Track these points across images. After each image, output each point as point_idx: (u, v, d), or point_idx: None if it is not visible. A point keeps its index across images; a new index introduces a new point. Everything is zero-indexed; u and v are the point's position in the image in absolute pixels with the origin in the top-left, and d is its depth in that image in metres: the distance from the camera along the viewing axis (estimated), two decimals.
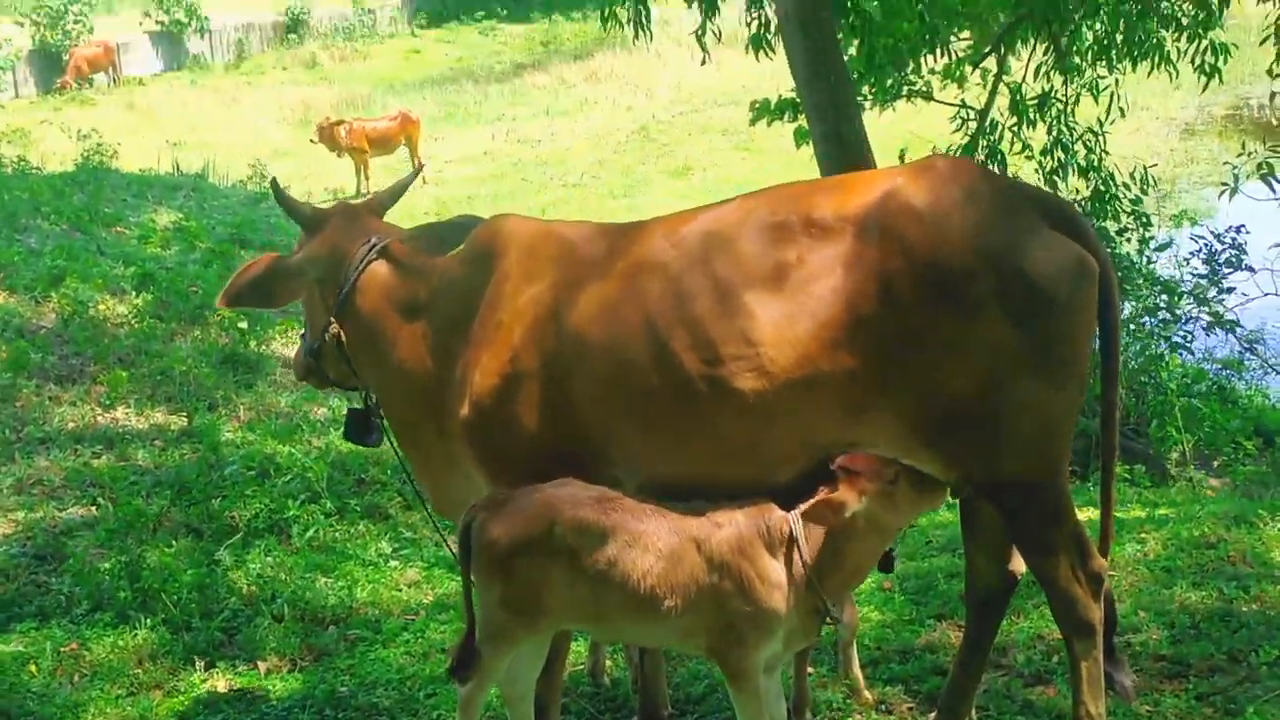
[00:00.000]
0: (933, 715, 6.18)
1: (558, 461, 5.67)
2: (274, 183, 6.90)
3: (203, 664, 7.62)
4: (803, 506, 5.28)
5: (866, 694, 6.58)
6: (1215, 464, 11.32)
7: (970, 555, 5.98)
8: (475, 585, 5.62)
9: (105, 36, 46.52)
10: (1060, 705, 6.26)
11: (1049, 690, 6.54)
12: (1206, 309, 12.64)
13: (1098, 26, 14.03)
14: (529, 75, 48.25)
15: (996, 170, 13.80)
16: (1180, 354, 12.29)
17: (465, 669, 5.66)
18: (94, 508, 9.83)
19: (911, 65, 15.26)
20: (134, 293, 14.79)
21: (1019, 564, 5.89)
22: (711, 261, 5.44)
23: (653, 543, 5.28)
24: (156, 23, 49.42)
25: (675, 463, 5.53)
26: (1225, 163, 14.22)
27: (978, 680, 6.12)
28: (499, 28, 56.75)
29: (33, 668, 7.58)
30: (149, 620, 7.99)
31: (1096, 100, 14.38)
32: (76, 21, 46.48)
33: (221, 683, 7.42)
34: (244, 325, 13.89)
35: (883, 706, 6.53)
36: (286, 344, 14.29)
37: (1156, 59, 14.10)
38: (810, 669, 6.72)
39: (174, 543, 9.03)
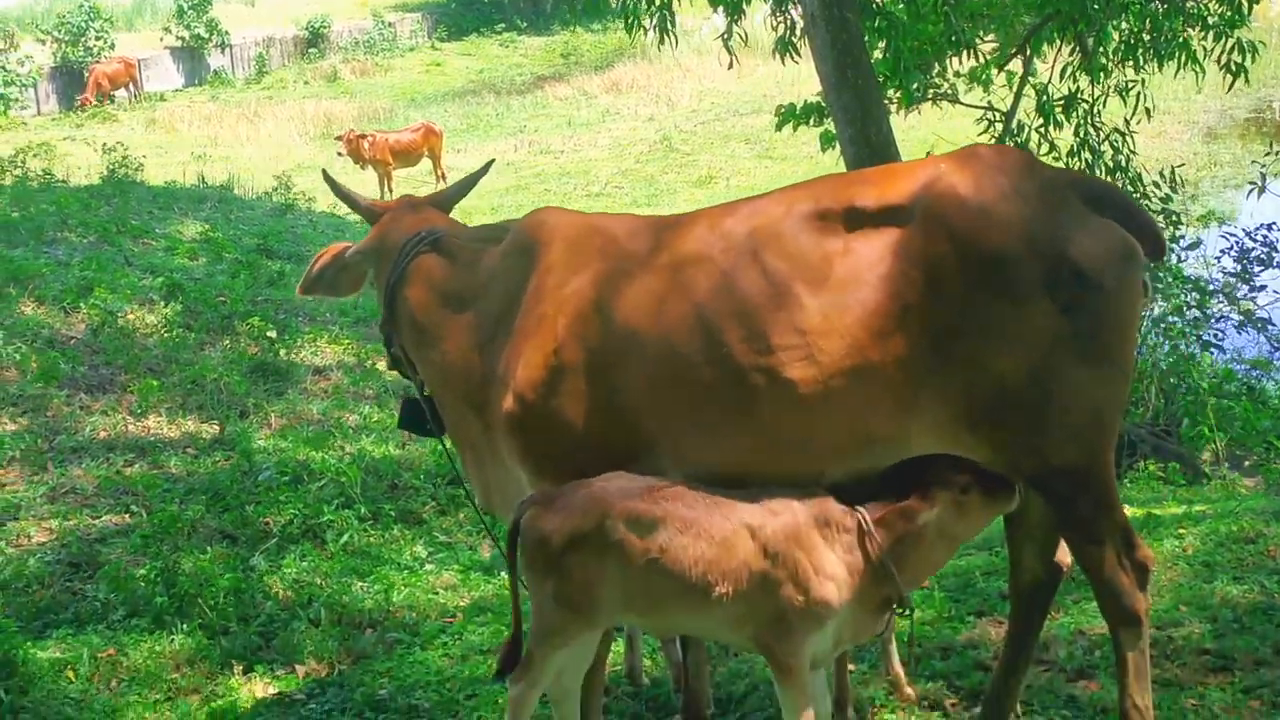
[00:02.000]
0: (977, 711, 6.14)
1: (601, 455, 5.64)
2: (327, 175, 6.91)
3: (240, 668, 7.61)
4: (876, 509, 5.28)
5: (909, 690, 6.53)
6: (1247, 464, 11.24)
7: (1015, 549, 5.93)
8: (525, 583, 5.60)
9: (126, 53, 46.75)
10: (1104, 699, 6.21)
11: (1092, 685, 6.48)
12: (1236, 308, 12.57)
13: (1124, 26, 13.98)
14: (550, 87, 48.30)
15: None
16: (1211, 352, 12.23)
17: (510, 667, 5.65)
18: (128, 515, 9.85)
19: (937, 68, 15.24)
20: (162, 302, 14.83)
21: (1064, 555, 5.85)
22: (758, 253, 5.42)
23: (705, 529, 5.25)
24: (177, 38, 49.69)
25: (723, 454, 5.51)
26: (1253, 161, 14.15)
27: (1023, 675, 6.07)
28: (519, 40, 56.91)
29: (70, 674, 7.58)
30: (185, 625, 7.99)
31: (1124, 101, 14.32)
32: (98, 38, 46.81)
33: (260, 687, 7.42)
34: (273, 334, 13.91)
35: (925, 703, 6.48)
36: (316, 353, 14.29)
37: (1183, 58, 14.02)
38: (851, 666, 6.70)
39: (209, 549, 9.01)
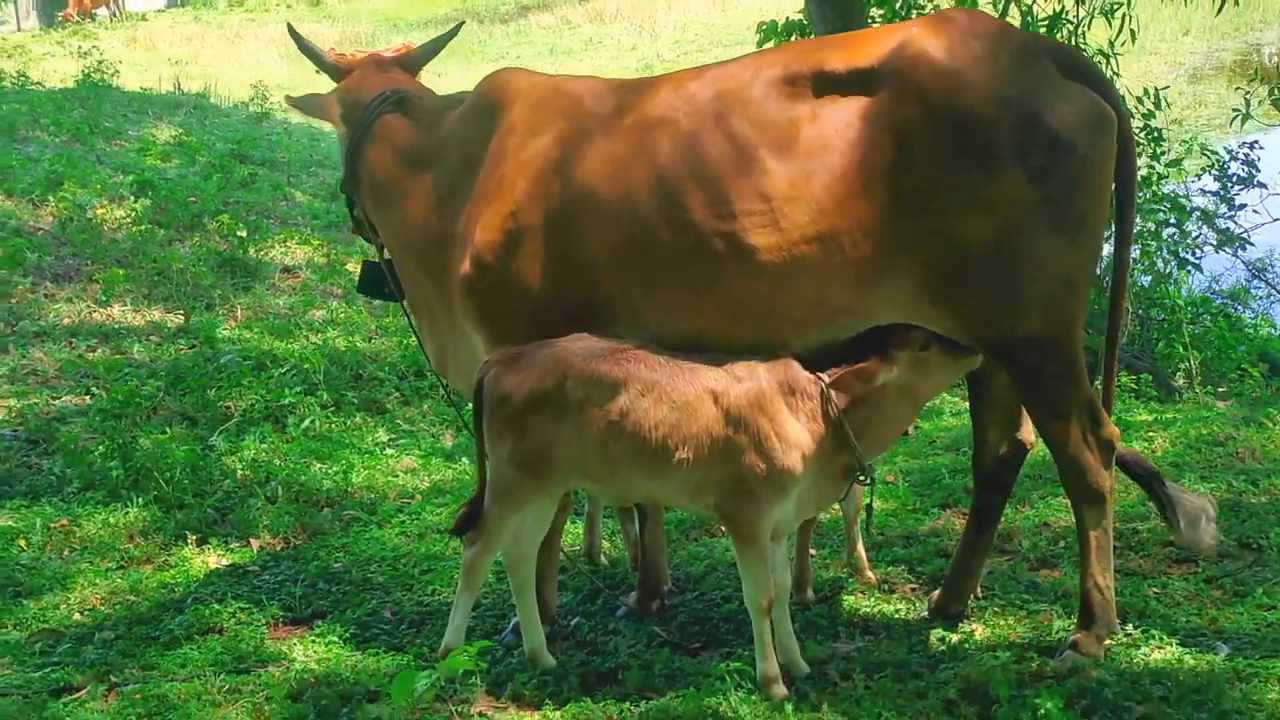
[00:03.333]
0: (936, 592, 6.08)
1: (560, 320, 5.56)
2: (291, 28, 6.77)
3: (194, 540, 7.50)
4: (834, 372, 5.19)
5: (869, 574, 6.48)
6: (1221, 390, 11.17)
7: (979, 425, 5.87)
8: (487, 442, 5.51)
9: None
10: (1066, 584, 6.18)
11: (1055, 573, 6.44)
12: (1214, 230, 12.47)
13: None
14: (533, 15, 47.84)
15: None
16: (1189, 271, 12.15)
17: (468, 527, 5.58)
18: (88, 396, 9.71)
19: None
20: (133, 198, 14.60)
21: (1028, 433, 5.79)
22: (724, 117, 5.32)
23: (667, 393, 5.17)
24: None
25: (682, 321, 5.43)
26: (1236, 88, 14.01)
27: (984, 557, 6.03)
28: None
29: (22, 542, 7.49)
30: (141, 499, 7.88)
31: (1110, 23, 14.15)
32: None
33: (213, 558, 7.32)
34: (243, 233, 13.70)
35: (885, 586, 6.44)
36: (286, 253, 14.12)
37: None
38: (812, 551, 6.63)
39: (168, 430, 8.88)
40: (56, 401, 9.68)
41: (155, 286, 12.36)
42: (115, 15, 44.99)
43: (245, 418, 9.24)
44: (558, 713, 5.27)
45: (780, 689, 5.18)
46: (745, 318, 5.32)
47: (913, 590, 6.37)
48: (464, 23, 7.36)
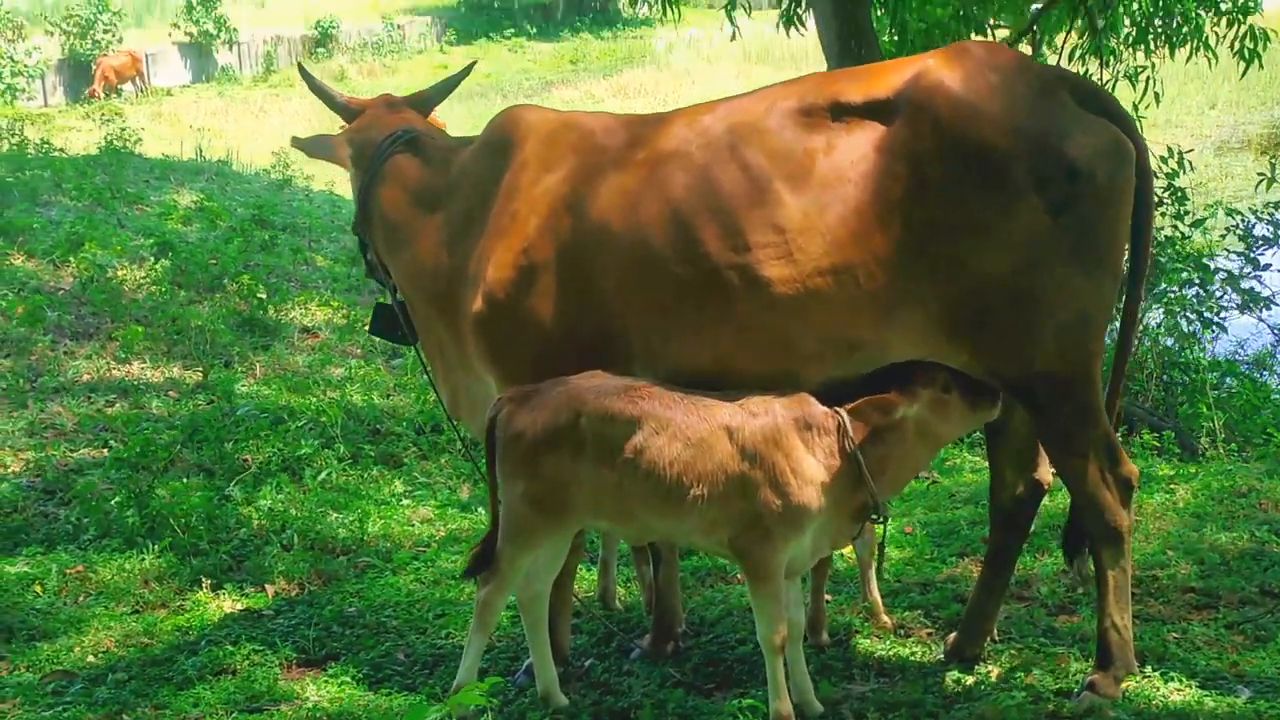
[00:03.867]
0: (952, 635, 6.02)
1: (574, 357, 5.53)
2: (302, 69, 6.81)
3: (209, 585, 7.46)
4: (851, 404, 5.16)
5: (885, 618, 6.42)
6: (1245, 453, 11.10)
7: (996, 465, 5.83)
8: (500, 481, 5.49)
9: (134, 47, 46.62)
10: (1083, 629, 6.11)
11: (1073, 618, 6.38)
12: (1239, 292, 12.41)
13: (1135, 9, 13.89)
14: (557, 90, 48.17)
15: None
16: (1213, 331, 12.11)
17: (481, 568, 5.54)
18: (105, 449, 9.70)
19: None
20: (153, 260, 14.71)
21: (1045, 472, 5.75)
22: (737, 149, 5.32)
23: (681, 430, 5.13)
24: (185, 34, 49.55)
25: (696, 357, 5.40)
26: (1264, 153, 14.02)
27: (1000, 599, 5.97)
28: (528, 45, 56.76)
29: (38, 588, 7.47)
30: (156, 546, 7.85)
31: (1134, 86, 14.21)
32: (106, 31, 46.56)
33: (228, 603, 7.28)
34: (263, 295, 13.77)
35: (901, 630, 6.38)
36: (306, 314, 14.18)
37: (1195, 44, 13.92)
38: (828, 596, 6.59)
39: (185, 480, 8.87)
40: (74, 454, 9.69)
41: (174, 344, 12.42)
42: (141, 90, 45.41)
43: (262, 469, 9.24)
44: None
45: None
46: (760, 351, 5.30)
47: (929, 634, 6.31)
48: (475, 62, 7.38)
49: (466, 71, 6.83)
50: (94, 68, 44.49)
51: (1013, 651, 5.95)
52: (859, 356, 5.27)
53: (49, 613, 7.18)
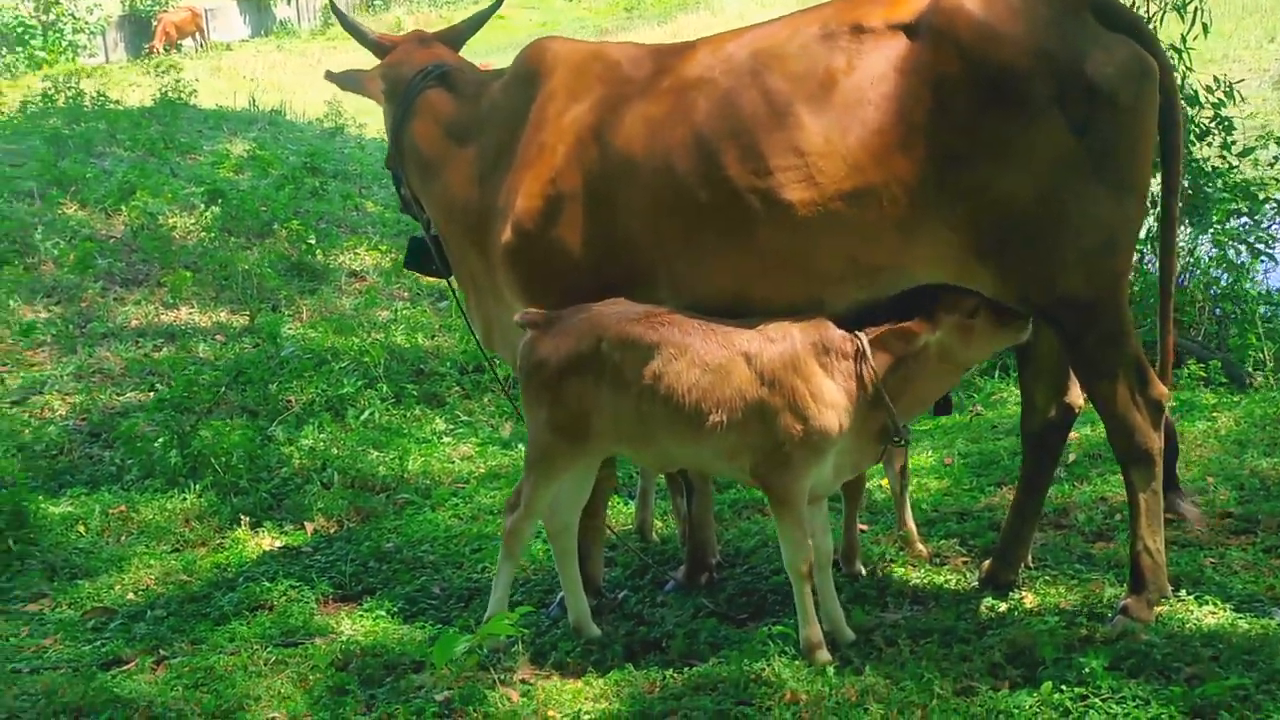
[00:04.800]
0: (987, 562, 5.99)
1: (602, 286, 5.53)
2: (333, 4, 6.82)
3: (249, 524, 7.54)
4: (873, 331, 5.12)
5: (920, 547, 6.39)
6: None
7: (1026, 389, 5.77)
8: (524, 409, 5.50)
9: (193, 2, 46.72)
10: (1119, 555, 6.04)
11: (1109, 545, 6.32)
12: None
13: None
14: (611, 38, 47.86)
15: None
16: (1262, 262, 11.90)
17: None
18: (152, 392, 9.78)
19: None
20: (203, 207, 14.76)
21: (1076, 396, 5.69)
22: (760, 75, 5.27)
23: (699, 356, 5.11)
24: None
25: (720, 281, 5.38)
26: None
27: (1034, 523, 5.93)
28: None
29: (81, 527, 7.59)
30: (198, 485, 7.95)
31: (1182, 18, 13.98)
32: None
33: (267, 540, 7.35)
34: (312, 240, 13.80)
35: (936, 559, 6.34)
36: (354, 259, 14.21)
37: None
38: (863, 526, 6.57)
39: (229, 421, 8.92)
40: (120, 397, 9.78)
41: (222, 289, 12.50)
42: (200, 46, 45.52)
43: (305, 410, 9.29)
44: (600, 680, 5.21)
45: (824, 654, 5.12)
46: (783, 275, 5.26)
47: (964, 563, 6.27)
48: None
49: (497, 5, 6.82)
50: (154, 23, 44.56)
51: (1047, 578, 5.90)
52: (884, 279, 5.22)
53: (91, 551, 7.29)
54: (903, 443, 5.33)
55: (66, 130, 19.00)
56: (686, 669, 5.22)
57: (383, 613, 6.25)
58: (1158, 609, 5.30)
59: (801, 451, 5.06)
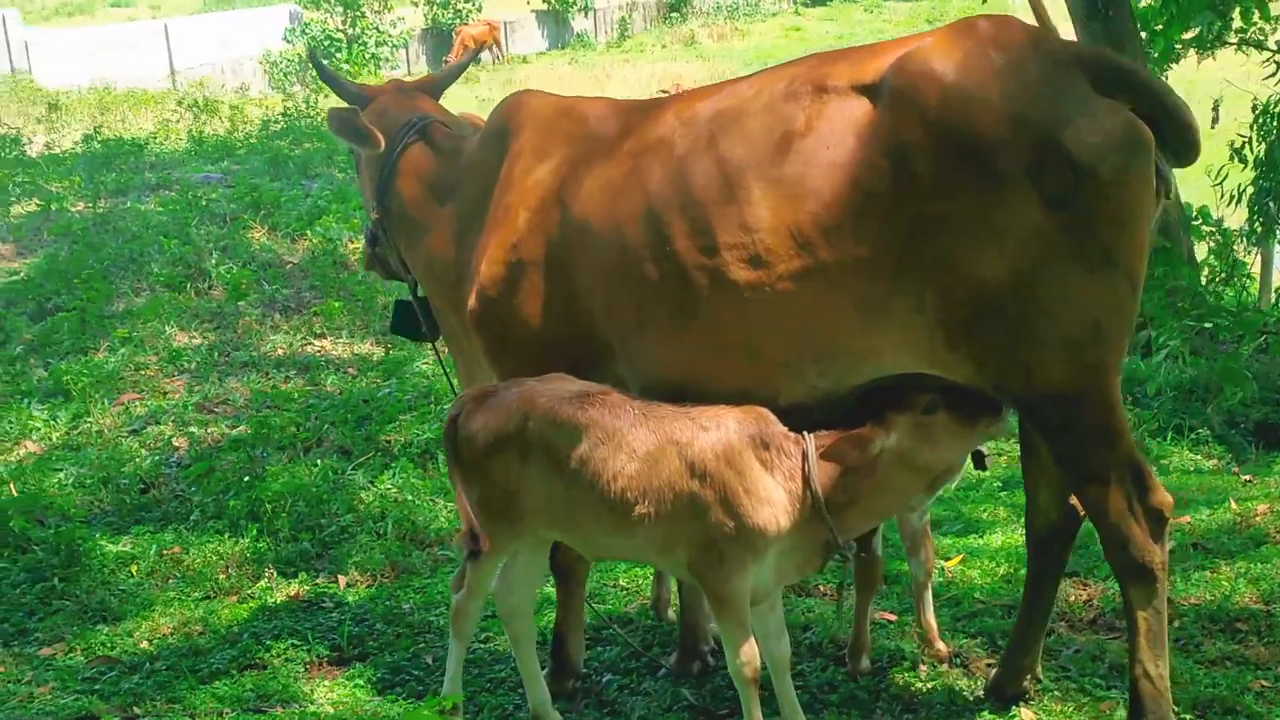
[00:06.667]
0: (994, 671, 5.44)
1: (562, 359, 5.24)
2: (311, 54, 6.63)
3: (281, 573, 7.37)
4: (822, 435, 4.69)
5: (939, 645, 5.84)
6: None
7: (1030, 487, 5.22)
8: (457, 485, 5.20)
9: (493, 16, 47.72)
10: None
11: None
12: None
13: None
14: None
15: None
16: None
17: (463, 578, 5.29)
18: (265, 428, 9.71)
19: (1239, 9, 14.00)
20: None
21: None
22: (716, 139, 4.88)
23: (628, 442, 4.74)
24: (544, 1, 50.42)
25: (672, 363, 5.03)
26: None
27: (1040, 631, 5.38)
28: (884, 5, 55.48)
29: (133, 568, 7.49)
30: (254, 529, 7.78)
31: None
32: (466, 1, 47.69)
33: (298, 591, 7.14)
34: None
35: (957, 659, 5.79)
36: None
37: None
38: (891, 616, 6.08)
39: (319, 463, 8.78)
40: (232, 431, 9.72)
41: (371, 320, 12.42)
42: (498, 58, 46.41)
43: (392, 453, 9.09)
44: None
45: None
46: (733, 359, 4.85)
47: (988, 665, 5.71)
48: (483, 47, 7.02)
49: (476, 52, 6.59)
50: (454, 36, 45.58)
51: (1058, 692, 5.35)
52: (843, 365, 4.73)
53: (131, 595, 7.20)
54: (845, 559, 4.83)
55: (289, 150, 19.29)
56: None
57: (363, 681, 6.02)
58: None
59: (736, 549, 4.63)
